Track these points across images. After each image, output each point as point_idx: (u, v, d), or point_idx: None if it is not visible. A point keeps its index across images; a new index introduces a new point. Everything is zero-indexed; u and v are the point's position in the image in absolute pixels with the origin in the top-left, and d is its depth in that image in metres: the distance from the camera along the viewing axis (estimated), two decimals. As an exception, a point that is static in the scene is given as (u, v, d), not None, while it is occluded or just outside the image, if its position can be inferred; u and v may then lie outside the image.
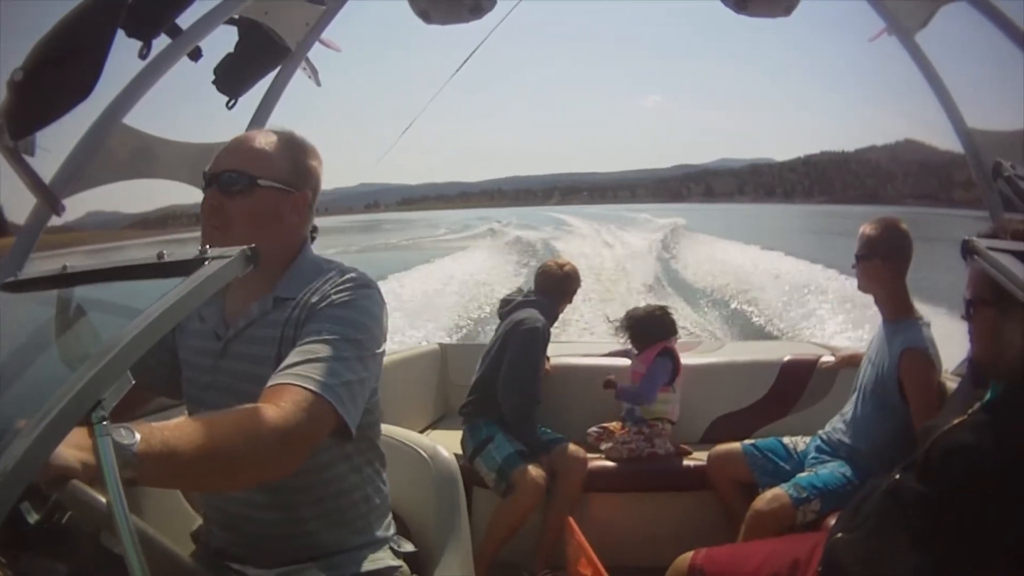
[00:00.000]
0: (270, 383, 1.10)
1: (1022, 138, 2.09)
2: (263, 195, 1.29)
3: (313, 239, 1.42)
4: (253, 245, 0.94)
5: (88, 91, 1.57)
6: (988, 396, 1.37)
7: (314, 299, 1.26)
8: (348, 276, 1.29)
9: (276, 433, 0.99)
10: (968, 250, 1.10)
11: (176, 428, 0.89)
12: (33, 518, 0.77)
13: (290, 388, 1.07)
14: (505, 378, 2.83)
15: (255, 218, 1.28)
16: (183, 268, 0.91)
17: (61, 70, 1.52)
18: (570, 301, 3.12)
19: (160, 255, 0.95)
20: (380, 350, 1.28)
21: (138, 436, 0.81)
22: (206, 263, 0.91)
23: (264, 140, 1.33)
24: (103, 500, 0.77)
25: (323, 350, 1.15)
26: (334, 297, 1.25)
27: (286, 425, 1.01)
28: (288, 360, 1.14)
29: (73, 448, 0.76)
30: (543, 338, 2.90)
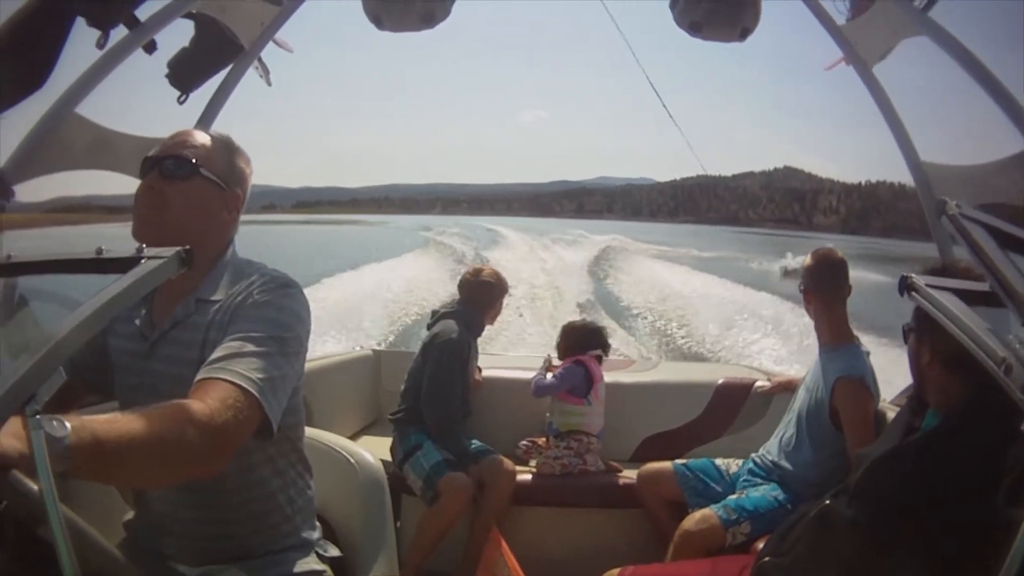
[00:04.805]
0: (197, 378, 1.11)
1: (974, 173, 2.16)
2: (201, 184, 1.33)
3: None
4: (188, 247, 0.98)
5: (41, 83, 1.57)
6: (924, 425, 1.39)
7: (238, 300, 1.28)
8: (272, 277, 1.32)
9: (203, 428, 0.99)
10: (907, 286, 1.10)
11: (106, 422, 0.88)
12: None
13: (216, 383, 1.09)
14: (426, 392, 2.82)
15: (191, 206, 1.31)
16: (119, 265, 0.94)
17: (16, 60, 1.50)
18: (495, 308, 3.07)
19: (99, 250, 0.97)
20: (303, 350, 1.30)
21: (69, 428, 0.81)
22: (142, 262, 0.94)
23: (205, 137, 1.39)
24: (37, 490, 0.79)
25: (248, 347, 1.17)
26: (258, 297, 1.27)
27: (213, 420, 1.01)
28: (214, 356, 1.15)
29: (12, 438, 0.75)
30: (460, 351, 2.87)
